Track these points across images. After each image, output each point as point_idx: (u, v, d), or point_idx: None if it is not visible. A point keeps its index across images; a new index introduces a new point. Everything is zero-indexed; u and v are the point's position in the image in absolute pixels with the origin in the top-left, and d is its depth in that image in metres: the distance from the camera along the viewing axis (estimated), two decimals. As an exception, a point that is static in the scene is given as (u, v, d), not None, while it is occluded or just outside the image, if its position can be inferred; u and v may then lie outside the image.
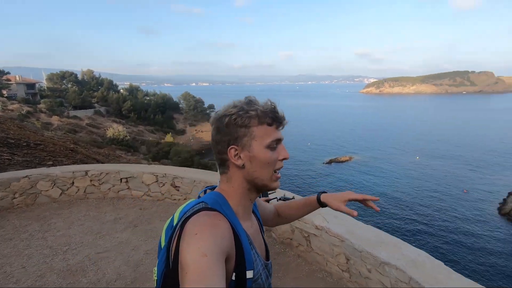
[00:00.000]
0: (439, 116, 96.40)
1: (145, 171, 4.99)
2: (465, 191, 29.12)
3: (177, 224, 0.79)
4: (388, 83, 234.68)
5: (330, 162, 44.53)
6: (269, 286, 0.89)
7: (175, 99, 62.82)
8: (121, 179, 5.00)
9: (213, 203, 0.82)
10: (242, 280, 0.76)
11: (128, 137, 37.86)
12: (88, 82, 56.92)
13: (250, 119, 0.82)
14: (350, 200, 1.08)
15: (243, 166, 0.84)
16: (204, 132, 56.13)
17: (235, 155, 0.83)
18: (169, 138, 45.12)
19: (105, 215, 4.35)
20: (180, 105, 62.52)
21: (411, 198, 30.34)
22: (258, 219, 1.03)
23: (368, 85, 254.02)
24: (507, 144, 54.19)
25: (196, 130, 56.27)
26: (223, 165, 0.87)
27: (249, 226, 0.90)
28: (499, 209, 23.63)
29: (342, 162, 44.54)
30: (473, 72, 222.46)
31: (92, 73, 58.82)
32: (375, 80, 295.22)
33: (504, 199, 25.01)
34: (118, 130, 36.68)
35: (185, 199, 4.72)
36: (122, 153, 28.05)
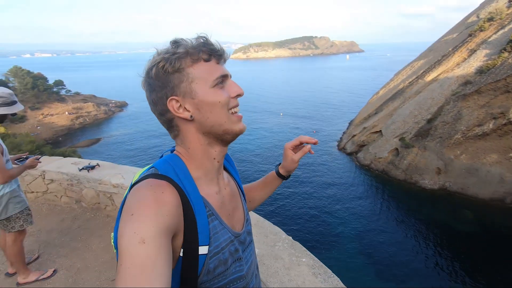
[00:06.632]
0: (296, 77, 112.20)
1: None
2: (314, 131, 37.33)
3: (126, 197, 0.65)
4: (254, 48, 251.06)
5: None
6: (239, 258, 0.77)
7: (-1, 76, 48.12)
8: None
9: (164, 169, 0.68)
10: (193, 257, 0.65)
11: None
12: None
13: (181, 60, 0.67)
14: (292, 148, 1.00)
15: (192, 118, 0.69)
16: (56, 116, 46.35)
17: (178, 108, 0.69)
18: (-2, 129, 35.02)
19: None
20: (11, 84, 48.57)
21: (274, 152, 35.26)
22: (235, 181, 0.90)
23: (236, 51, 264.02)
24: (340, 95, 69.38)
25: (42, 114, 45.70)
26: (171, 127, 0.72)
27: (215, 192, 0.76)
28: (338, 145, 31.99)
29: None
30: (316, 37, 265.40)
31: None
32: (241, 45, 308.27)
33: (340, 138, 33.87)
34: None
35: None
36: None
